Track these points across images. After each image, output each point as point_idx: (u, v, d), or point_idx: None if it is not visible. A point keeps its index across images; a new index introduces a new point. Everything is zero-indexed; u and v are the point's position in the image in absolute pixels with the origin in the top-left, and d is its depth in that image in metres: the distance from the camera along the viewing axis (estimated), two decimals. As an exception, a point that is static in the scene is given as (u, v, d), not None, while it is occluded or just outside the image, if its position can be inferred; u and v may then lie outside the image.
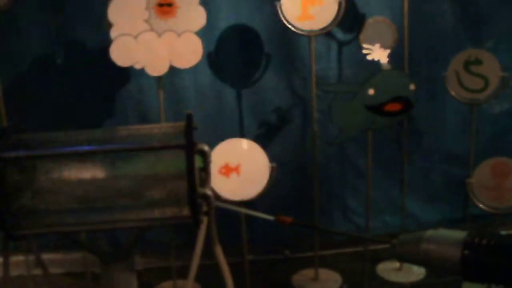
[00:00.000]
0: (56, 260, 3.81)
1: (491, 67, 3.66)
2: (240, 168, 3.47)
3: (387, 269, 4.01)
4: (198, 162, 2.04)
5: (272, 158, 3.52)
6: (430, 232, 2.01)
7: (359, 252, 4.05)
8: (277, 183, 3.59)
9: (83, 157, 2.09)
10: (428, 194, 4.35)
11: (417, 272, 3.90)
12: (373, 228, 3.93)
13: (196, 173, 1.97)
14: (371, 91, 3.43)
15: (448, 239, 1.97)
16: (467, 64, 3.68)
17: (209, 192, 2.05)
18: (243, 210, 2.51)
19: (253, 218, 2.27)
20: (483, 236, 1.95)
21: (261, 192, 3.51)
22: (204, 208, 2.06)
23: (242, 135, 4.02)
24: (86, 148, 2.06)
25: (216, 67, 3.96)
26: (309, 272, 4.00)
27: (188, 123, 1.96)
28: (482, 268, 1.92)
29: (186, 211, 2.00)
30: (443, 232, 2.05)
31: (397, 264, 4.01)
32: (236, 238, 3.71)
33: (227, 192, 3.41)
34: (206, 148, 2.06)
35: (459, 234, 2.00)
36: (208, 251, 2.27)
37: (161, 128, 2.20)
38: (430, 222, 4.21)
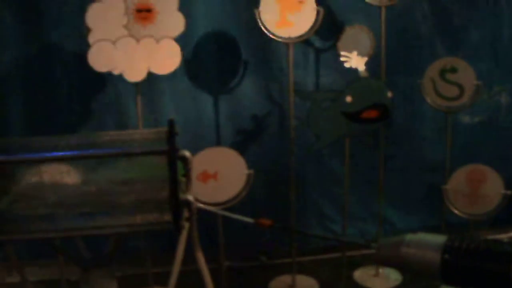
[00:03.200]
0: (30, 268, 3.78)
1: (466, 75, 3.70)
2: (217, 175, 3.48)
3: (364, 275, 4.02)
4: (179, 168, 2.03)
5: (249, 164, 3.52)
6: (409, 236, 2.02)
7: (336, 258, 4.06)
8: (254, 190, 3.60)
9: (63, 163, 2.07)
10: (404, 201, 4.38)
11: (394, 278, 3.92)
12: (350, 235, 3.95)
13: (178, 178, 1.97)
14: (348, 99, 3.45)
15: (428, 243, 1.98)
16: (442, 72, 3.72)
17: (190, 198, 2.04)
18: (223, 213, 2.51)
19: (230, 224, 2.27)
20: (463, 240, 1.96)
21: (238, 198, 3.51)
22: (186, 214, 2.05)
23: (219, 141, 4.03)
24: (66, 153, 2.04)
25: (193, 74, 3.96)
26: (286, 279, 4.00)
27: (170, 129, 1.95)
28: (462, 272, 1.93)
29: (167, 217, 1.99)
30: (423, 236, 2.06)
31: (374, 270, 4.02)
32: (212, 244, 3.70)
33: (204, 197, 3.41)
34: (187, 154, 2.06)
35: (439, 238, 2.01)
36: (185, 257, 2.27)
37: (142, 134, 2.19)
38: (407, 228, 4.20)
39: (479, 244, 1.95)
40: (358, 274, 4.03)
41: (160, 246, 3.66)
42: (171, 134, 1.96)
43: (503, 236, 4.40)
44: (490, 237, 4.24)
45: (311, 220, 4.34)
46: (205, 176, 3.45)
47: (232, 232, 3.76)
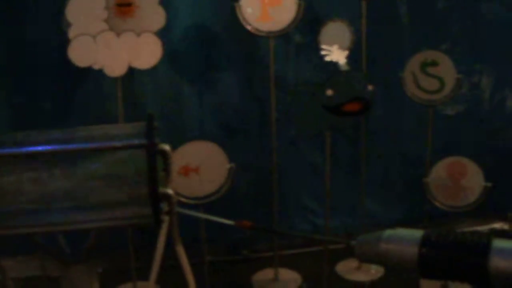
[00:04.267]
0: (9, 264, 3.76)
1: (447, 69, 3.72)
2: (199, 169, 3.48)
3: (346, 268, 4.04)
4: (159, 162, 2.03)
5: (231, 158, 3.53)
6: (388, 232, 2.03)
7: (318, 251, 4.07)
8: (236, 184, 3.61)
9: (41, 158, 2.07)
10: (386, 194, 4.41)
11: (376, 271, 3.94)
12: (332, 228, 3.97)
13: (157, 172, 1.96)
14: (329, 92, 3.46)
15: (405, 238, 1.99)
16: (423, 66, 3.74)
17: (170, 192, 2.04)
18: (203, 216, 2.52)
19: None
20: (440, 234, 1.98)
21: (220, 192, 3.51)
22: (165, 208, 2.05)
23: (201, 135, 4.02)
24: (45, 148, 2.04)
25: (175, 68, 3.95)
26: (269, 272, 4.01)
27: (149, 123, 1.95)
28: (439, 265, 1.95)
29: (147, 211, 1.99)
30: (401, 232, 2.07)
31: (356, 263, 4.04)
32: (194, 239, 3.71)
33: (185, 191, 3.42)
34: (167, 148, 2.06)
35: (416, 233, 2.02)
36: (167, 252, 2.27)
37: (121, 128, 2.19)
38: (389, 221, 4.25)
39: (456, 236, 1.97)
40: (340, 267, 4.05)
41: (143, 241, 3.66)
42: (150, 128, 1.95)
43: (484, 228, 4.43)
44: (469, 229, 4.28)
45: (294, 214, 4.35)
46: (187, 170, 3.45)
47: (213, 226, 3.76)
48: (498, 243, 1.93)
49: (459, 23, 4.27)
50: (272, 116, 3.73)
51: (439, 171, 3.71)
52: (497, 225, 4.52)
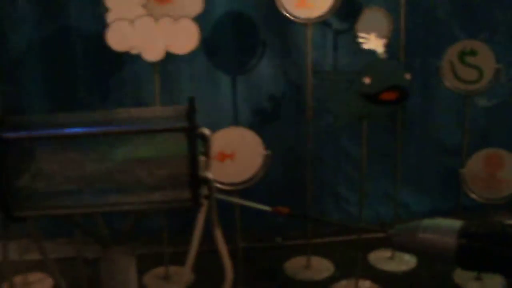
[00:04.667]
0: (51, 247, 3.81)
1: (486, 59, 3.67)
2: (234, 155, 3.48)
3: (379, 257, 4.03)
4: (199, 146, 2.04)
5: (267, 145, 3.52)
6: (426, 221, 2.03)
7: (351, 240, 4.06)
8: (272, 171, 3.60)
9: (82, 139, 2.09)
10: (421, 184, 4.38)
11: (409, 261, 3.93)
12: (365, 217, 3.95)
13: (197, 156, 1.97)
14: (367, 80, 3.43)
15: (444, 228, 1.99)
16: (462, 55, 3.69)
17: (210, 176, 2.05)
18: (240, 202, 2.52)
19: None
20: (479, 225, 1.97)
21: (255, 179, 3.51)
22: (205, 192, 2.06)
23: (236, 122, 4.03)
24: (85, 129, 2.05)
25: (212, 54, 3.95)
26: (301, 260, 4.01)
27: (191, 106, 1.96)
28: (478, 257, 1.94)
29: (187, 195, 2.00)
30: (439, 221, 2.06)
31: (389, 253, 4.03)
32: (228, 225, 3.71)
33: (220, 176, 3.42)
34: (207, 132, 2.06)
35: (455, 223, 2.01)
36: (202, 238, 2.27)
37: (162, 111, 2.19)
38: (422, 212, 4.24)
39: (496, 228, 1.96)
40: (373, 257, 4.04)
41: (177, 226, 3.68)
42: (191, 111, 1.96)
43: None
44: (508, 221, 4.23)
45: (328, 202, 4.35)
46: (222, 156, 3.45)
47: (248, 213, 3.76)
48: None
49: (499, 12, 4.21)
50: (309, 103, 3.72)
51: (476, 163, 3.67)
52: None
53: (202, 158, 2.06)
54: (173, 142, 2.02)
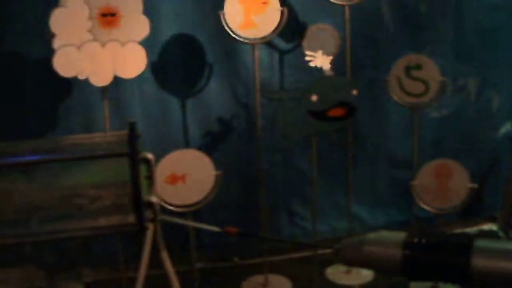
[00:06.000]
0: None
1: (431, 72, 3.75)
2: (186, 177, 3.49)
3: (336, 272, 4.04)
4: (142, 170, 2.04)
5: (218, 166, 3.54)
6: (371, 235, 2.06)
7: (307, 256, 4.09)
8: (225, 191, 3.62)
9: (26, 167, 2.08)
10: (374, 198, 4.42)
11: (365, 275, 3.95)
12: (320, 232, 3.98)
13: (140, 180, 1.98)
14: (314, 97, 3.48)
15: (389, 240, 2.02)
16: (407, 69, 3.76)
17: (154, 200, 2.05)
18: (189, 223, 2.53)
19: (201, 225, 2.32)
20: (423, 235, 2.01)
21: (208, 199, 3.52)
22: (150, 215, 2.07)
23: (187, 144, 4.03)
24: (29, 158, 2.05)
25: (160, 77, 3.96)
26: (258, 278, 4.01)
27: (132, 131, 1.97)
28: (422, 267, 1.97)
29: (131, 219, 2.01)
30: (384, 234, 2.10)
31: (345, 267, 4.05)
32: (184, 246, 3.72)
33: (173, 199, 3.42)
34: (150, 156, 2.07)
35: (399, 235, 2.05)
36: (158, 260, 2.27)
37: (105, 137, 2.20)
38: (377, 225, 4.27)
39: (438, 238, 2.00)
40: (330, 271, 4.06)
41: (134, 250, 3.65)
42: (132, 136, 1.97)
43: (473, 229, 4.46)
44: (457, 231, 4.30)
45: (282, 219, 4.36)
46: (174, 179, 3.46)
47: (203, 234, 3.77)
48: (480, 243, 1.95)
49: (442, 27, 4.29)
50: (258, 122, 3.75)
51: (426, 174, 3.73)
52: (486, 227, 4.54)
53: (146, 182, 2.06)
54: (116, 168, 2.03)
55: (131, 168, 1.95)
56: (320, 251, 3.93)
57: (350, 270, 4.04)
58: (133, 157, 1.96)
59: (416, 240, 2.00)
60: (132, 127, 1.97)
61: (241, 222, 3.07)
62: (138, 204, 1.97)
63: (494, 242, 2.04)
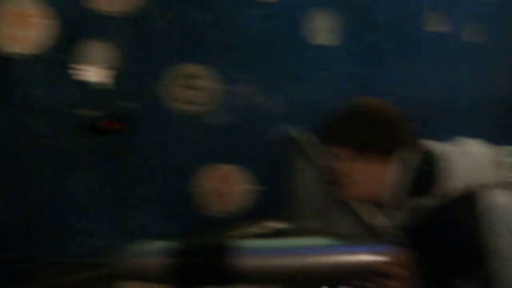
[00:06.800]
0: None
1: (209, 81, 3.82)
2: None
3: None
4: None
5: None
6: (138, 247, 2.07)
7: (101, 274, 3.99)
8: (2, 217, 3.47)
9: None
10: (159, 208, 4.41)
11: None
12: (113, 248, 3.90)
13: None
14: (85, 111, 3.42)
15: (154, 250, 2.04)
16: (185, 78, 3.80)
17: None
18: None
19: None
20: (186, 243, 2.04)
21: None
22: None
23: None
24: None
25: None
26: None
27: None
28: (188, 273, 2.00)
29: None
30: (150, 245, 2.12)
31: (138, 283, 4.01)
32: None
33: None
34: None
35: (166, 244, 2.07)
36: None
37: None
38: (165, 235, 4.24)
39: (205, 243, 2.03)
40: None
41: None
42: None
43: (256, 229, 4.58)
44: (243, 231, 4.41)
45: (69, 239, 4.23)
46: None
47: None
48: (237, 243, 2.02)
49: (222, 37, 4.38)
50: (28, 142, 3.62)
51: (205, 180, 3.79)
52: (276, 225, 4.68)
53: None
54: None
55: None
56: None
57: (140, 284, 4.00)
58: None
59: (184, 247, 2.03)
60: None
61: (22, 248, 2.90)
62: None
63: (257, 242, 2.13)
